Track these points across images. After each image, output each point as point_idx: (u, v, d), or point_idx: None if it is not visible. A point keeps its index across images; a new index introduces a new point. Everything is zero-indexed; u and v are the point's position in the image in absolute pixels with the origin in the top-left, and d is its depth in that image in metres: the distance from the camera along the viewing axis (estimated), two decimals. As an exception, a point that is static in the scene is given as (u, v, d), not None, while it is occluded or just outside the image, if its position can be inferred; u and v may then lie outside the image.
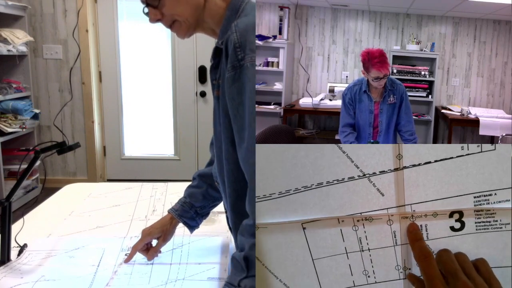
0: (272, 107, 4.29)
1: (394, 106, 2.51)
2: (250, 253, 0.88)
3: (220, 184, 1.10)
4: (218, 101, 1.01)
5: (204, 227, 1.37)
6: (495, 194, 0.68)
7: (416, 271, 0.72)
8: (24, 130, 3.87)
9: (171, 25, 1.04)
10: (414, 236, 0.68)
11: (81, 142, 4.31)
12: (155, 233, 1.26)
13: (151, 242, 1.28)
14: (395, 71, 4.28)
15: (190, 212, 1.28)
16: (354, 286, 0.78)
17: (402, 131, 2.57)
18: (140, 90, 4.55)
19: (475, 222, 0.69)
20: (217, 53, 1.00)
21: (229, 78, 0.92)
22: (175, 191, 1.87)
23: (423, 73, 4.32)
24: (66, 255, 1.30)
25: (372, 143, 2.54)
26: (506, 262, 0.70)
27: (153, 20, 1.03)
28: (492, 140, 4.20)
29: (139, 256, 1.26)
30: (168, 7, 1.00)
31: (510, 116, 4.12)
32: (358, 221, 0.71)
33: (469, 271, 0.64)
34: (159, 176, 4.51)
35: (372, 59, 2.33)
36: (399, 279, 0.73)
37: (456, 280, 0.61)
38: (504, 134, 3.85)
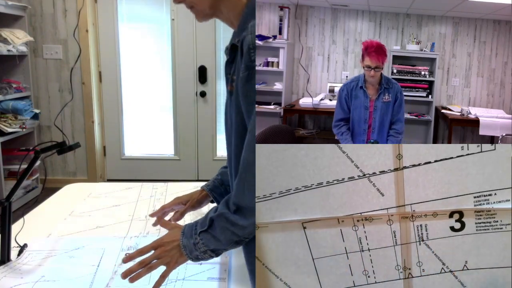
0: (272, 107, 4.29)
1: (388, 104, 2.58)
2: (216, 218, 0.98)
3: (229, 176, 1.13)
4: (231, 96, 1.05)
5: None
6: (495, 194, 0.68)
7: (416, 271, 0.72)
8: (24, 130, 3.87)
9: (190, 8, 1.09)
10: None
11: (81, 142, 4.31)
12: (183, 198, 1.35)
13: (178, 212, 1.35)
14: (395, 71, 4.28)
15: (220, 188, 1.34)
16: (354, 286, 0.78)
17: (390, 128, 2.62)
18: (140, 90, 4.55)
19: (476, 223, 0.69)
20: (233, 49, 1.04)
21: (243, 77, 0.97)
22: (175, 191, 1.86)
23: (423, 73, 4.31)
24: (66, 255, 1.30)
25: (372, 143, 2.55)
26: (506, 262, 0.70)
27: (176, 0, 1.09)
28: (492, 140, 4.19)
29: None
30: None
31: (510, 116, 4.12)
32: (358, 221, 0.71)
33: None
34: (159, 176, 4.51)
35: (369, 48, 2.42)
36: (399, 279, 0.73)
37: None
38: (504, 134, 3.85)
